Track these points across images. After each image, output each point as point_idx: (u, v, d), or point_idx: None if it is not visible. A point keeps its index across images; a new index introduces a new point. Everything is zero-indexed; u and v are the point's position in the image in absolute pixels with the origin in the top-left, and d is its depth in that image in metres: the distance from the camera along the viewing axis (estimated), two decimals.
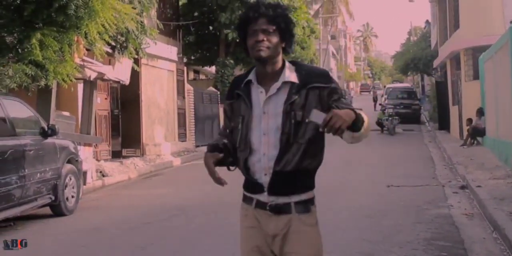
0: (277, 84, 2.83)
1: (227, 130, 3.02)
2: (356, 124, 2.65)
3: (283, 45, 2.87)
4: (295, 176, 2.81)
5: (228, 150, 2.95)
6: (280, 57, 2.88)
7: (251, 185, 2.91)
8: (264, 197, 2.86)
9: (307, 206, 2.86)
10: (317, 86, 2.81)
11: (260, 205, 2.88)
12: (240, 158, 2.91)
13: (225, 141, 2.98)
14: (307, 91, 2.80)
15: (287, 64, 2.89)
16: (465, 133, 19.06)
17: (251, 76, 2.91)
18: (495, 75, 15.23)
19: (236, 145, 2.91)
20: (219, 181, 2.88)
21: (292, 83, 2.83)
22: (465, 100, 20.78)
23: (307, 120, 2.67)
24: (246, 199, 2.96)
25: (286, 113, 2.79)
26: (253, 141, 2.85)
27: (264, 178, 2.83)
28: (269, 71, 2.86)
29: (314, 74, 2.86)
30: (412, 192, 10.51)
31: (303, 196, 2.84)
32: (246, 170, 2.89)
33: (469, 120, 18.67)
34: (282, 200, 2.83)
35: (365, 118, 2.72)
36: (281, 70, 2.87)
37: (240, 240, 3.00)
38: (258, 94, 2.87)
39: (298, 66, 2.91)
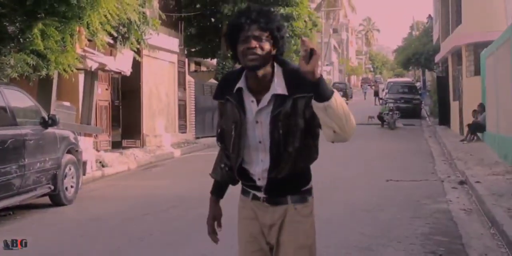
0: (267, 96, 2.77)
1: (219, 130, 3.03)
2: (320, 86, 2.50)
3: (274, 52, 2.77)
4: (289, 180, 2.82)
5: (229, 176, 3.05)
6: (270, 64, 2.79)
7: (248, 184, 2.94)
8: (260, 194, 2.89)
9: (303, 196, 2.87)
10: (303, 96, 2.72)
11: (257, 197, 2.91)
12: (233, 162, 2.93)
13: (223, 164, 3.06)
14: (293, 100, 2.74)
15: (275, 70, 2.79)
16: (465, 129, 19.06)
17: (242, 83, 2.83)
18: (496, 71, 15.22)
19: (230, 150, 2.91)
20: (214, 239, 3.11)
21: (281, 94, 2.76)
22: (466, 96, 20.79)
23: None
24: (244, 192, 2.99)
25: (273, 123, 2.75)
26: (248, 148, 2.84)
27: (259, 182, 2.86)
28: (260, 77, 2.77)
29: (301, 82, 2.67)
30: (411, 187, 10.53)
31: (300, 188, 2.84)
32: (240, 175, 2.92)
33: (475, 112, 18.61)
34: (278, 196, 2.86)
35: (336, 94, 2.55)
36: (272, 77, 2.78)
37: (238, 231, 3.03)
38: (250, 102, 2.82)
39: (285, 69, 2.80)
